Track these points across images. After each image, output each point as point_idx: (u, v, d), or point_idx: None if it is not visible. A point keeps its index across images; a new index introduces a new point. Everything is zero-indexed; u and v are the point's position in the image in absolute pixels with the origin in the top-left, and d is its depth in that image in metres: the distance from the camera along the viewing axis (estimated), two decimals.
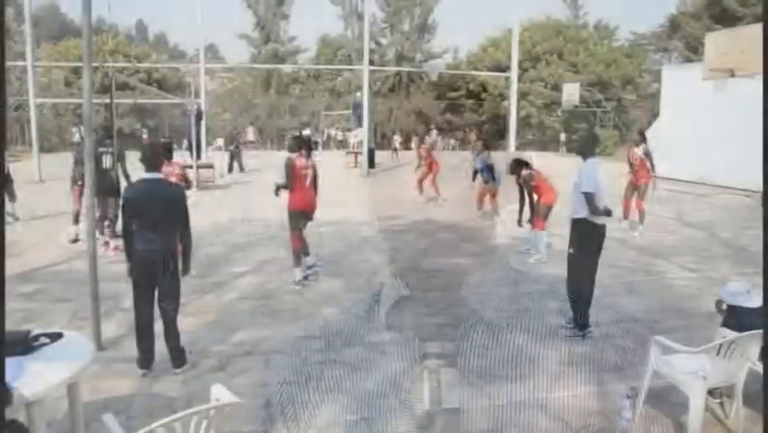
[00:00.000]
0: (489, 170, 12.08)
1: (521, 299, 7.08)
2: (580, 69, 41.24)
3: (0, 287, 2.58)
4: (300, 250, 7.65)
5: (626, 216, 11.19)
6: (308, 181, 7.57)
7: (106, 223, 9.21)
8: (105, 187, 8.63)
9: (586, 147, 5.92)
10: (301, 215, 7.59)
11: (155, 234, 4.72)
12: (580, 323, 5.79)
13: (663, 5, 79.96)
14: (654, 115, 30.02)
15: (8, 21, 46.43)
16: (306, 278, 7.66)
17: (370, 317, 6.38)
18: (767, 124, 3.04)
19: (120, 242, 9.29)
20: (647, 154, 10.90)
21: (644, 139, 11.26)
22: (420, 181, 14.95)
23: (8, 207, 11.38)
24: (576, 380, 4.90)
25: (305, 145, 7.72)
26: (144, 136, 29.06)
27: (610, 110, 38.42)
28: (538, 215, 9.09)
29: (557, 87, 39.62)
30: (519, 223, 9.62)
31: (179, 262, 4.96)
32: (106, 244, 9.00)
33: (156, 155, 4.92)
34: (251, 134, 36.41)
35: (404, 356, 5.30)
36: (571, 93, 34.71)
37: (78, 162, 9.33)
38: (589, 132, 8.19)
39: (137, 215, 4.73)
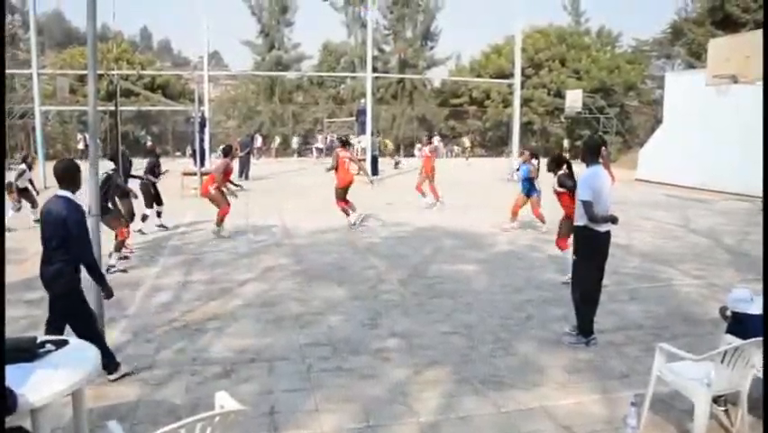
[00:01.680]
0: (529, 182, 11.53)
1: (524, 305, 7.07)
2: (582, 76, 41.25)
3: (0, 291, 2.59)
4: (348, 207, 11.98)
5: None
6: (347, 166, 11.65)
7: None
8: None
9: (588, 154, 5.90)
10: (343, 189, 11.59)
11: (49, 252, 4.58)
12: (585, 330, 5.78)
13: (666, 12, 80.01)
14: (657, 121, 30.02)
15: (14, 28, 46.83)
16: (357, 223, 11.92)
17: (375, 324, 6.38)
18: (767, 127, 3.05)
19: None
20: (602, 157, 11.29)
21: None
22: (432, 188, 14.91)
23: (32, 214, 11.67)
24: (581, 387, 4.88)
25: (346, 144, 12.36)
26: (149, 143, 29.13)
27: (613, 116, 38.41)
28: (559, 230, 8.21)
29: (560, 94, 39.60)
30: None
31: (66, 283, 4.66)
32: None
33: (66, 172, 4.66)
34: (258, 141, 37.01)
35: (408, 363, 5.30)
36: (574, 99, 34.67)
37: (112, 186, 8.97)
38: (592, 138, 7.76)
39: (42, 231, 4.61)
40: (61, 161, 4.95)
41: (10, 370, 2.99)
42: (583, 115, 37.23)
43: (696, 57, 35.25)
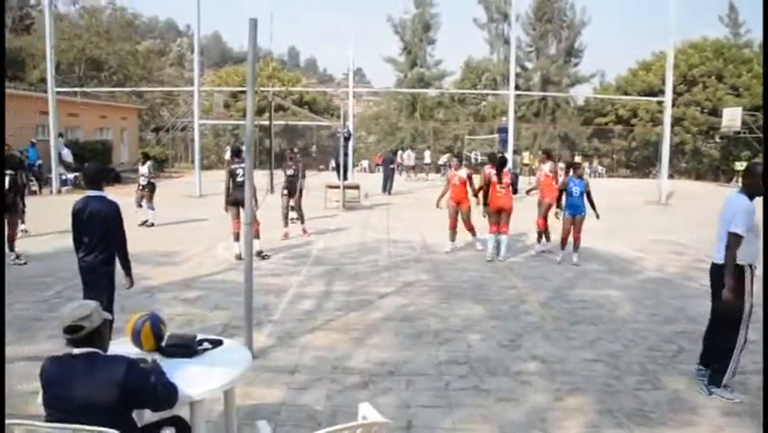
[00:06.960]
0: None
1: (675, 338, 6.61)
2: (742, 93, 38.40)
3: (1, 290, 2.76)
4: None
5: (544, 238, 11.44)
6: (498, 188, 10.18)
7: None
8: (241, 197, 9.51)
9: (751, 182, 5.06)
10: (496, 211, 10.24)
11: (92, 245, 5.06)
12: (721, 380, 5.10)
13: None
14: None
15: (183, 50, 51.02)
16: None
17: (515, 345, 6.23)
18: (767, 127, 2.68)
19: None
20: (554, 172, 11.30)
21: (549, 158, 12.11)
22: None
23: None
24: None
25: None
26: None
27: None
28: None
29: (716, 112, 37.15)
30: None
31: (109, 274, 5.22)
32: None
33: (96, 175, 5.26)
34: (407, 159, 32.78)
35: (549, 389, 5.12)
36: (732, 118, 32.37)
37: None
38: (755, 164, 6.64)
39: (79, 227, 5.10)
40: (92, 166, 5.51)
41: (172, 364, 3.22)
42: (742, 134, 34.63)
43: None
